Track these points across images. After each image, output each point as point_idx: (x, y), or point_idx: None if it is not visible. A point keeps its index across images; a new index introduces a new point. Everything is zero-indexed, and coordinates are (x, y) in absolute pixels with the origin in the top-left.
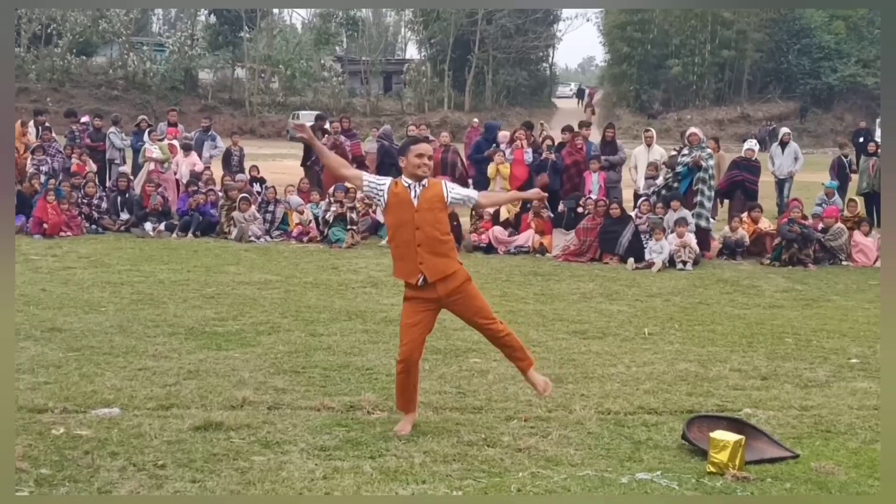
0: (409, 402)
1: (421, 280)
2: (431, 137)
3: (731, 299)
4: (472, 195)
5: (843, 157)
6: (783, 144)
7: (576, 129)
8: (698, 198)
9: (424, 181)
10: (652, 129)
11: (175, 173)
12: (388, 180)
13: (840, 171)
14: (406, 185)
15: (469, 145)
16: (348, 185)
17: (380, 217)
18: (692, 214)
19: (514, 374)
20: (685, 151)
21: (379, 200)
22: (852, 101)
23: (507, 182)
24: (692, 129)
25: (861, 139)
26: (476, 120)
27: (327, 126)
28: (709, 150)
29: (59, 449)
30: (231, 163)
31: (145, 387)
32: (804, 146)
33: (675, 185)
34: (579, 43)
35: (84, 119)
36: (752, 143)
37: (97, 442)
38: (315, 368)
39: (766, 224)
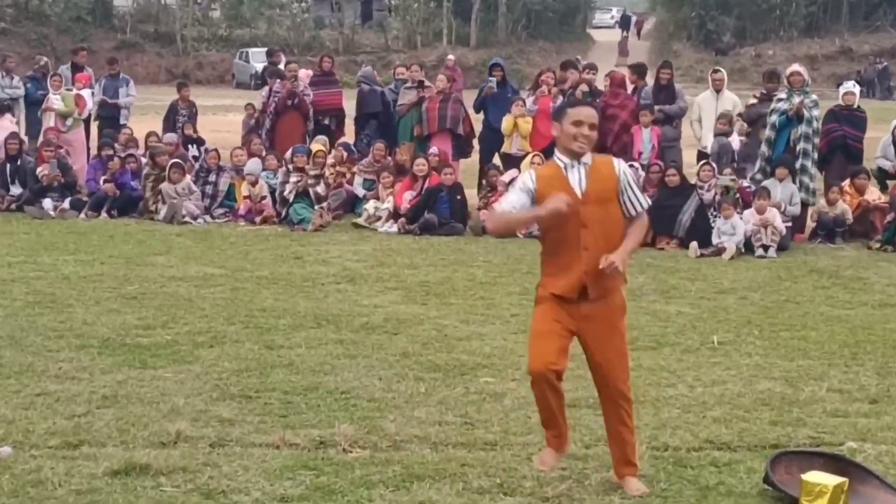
0: (555, 435)
1: (580, 295)
2: (427, 83)
3: (829, 296)
4: (642, 202)
5: None
6: None
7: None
8: (800, 161)
9: (586, 159)
10: (722, 70)
11: None
12: (525, 174)
13: None
14: (560, 164)
15: None
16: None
17: (357, 190)
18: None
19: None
20: (782, 96)
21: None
22: None
23: (527, 141)
24: (794, 67)
25: None
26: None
27: (282, 66)
28: (814, 97)
29: None
30: (177, 124)
31: (46, 418)
32: None
33: (768, 149)
34: None
35: None
36: (850, 86)
37: None
38: (273, 392)
39: (874, 195)
